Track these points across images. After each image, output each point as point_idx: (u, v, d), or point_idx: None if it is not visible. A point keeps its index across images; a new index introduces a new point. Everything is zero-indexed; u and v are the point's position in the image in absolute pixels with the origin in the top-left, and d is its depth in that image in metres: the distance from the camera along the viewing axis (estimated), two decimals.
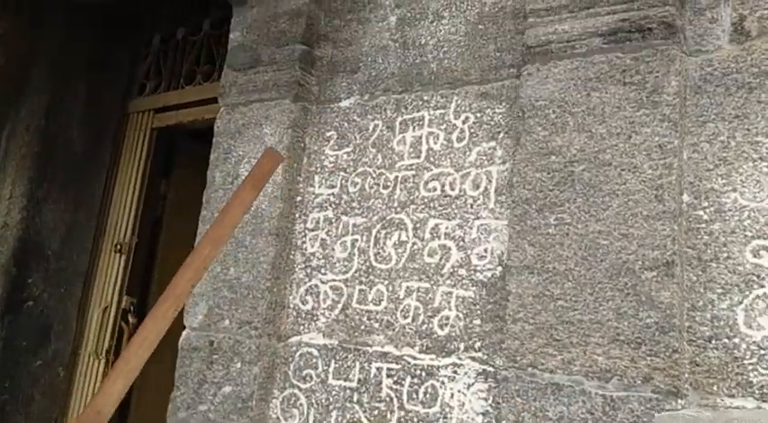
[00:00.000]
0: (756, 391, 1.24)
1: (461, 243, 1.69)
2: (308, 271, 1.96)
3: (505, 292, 1.51)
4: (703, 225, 1.36)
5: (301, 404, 1.86)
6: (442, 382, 1.63)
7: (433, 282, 1.71)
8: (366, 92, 2.00)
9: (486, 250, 1.65)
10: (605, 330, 1.36)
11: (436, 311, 1.69)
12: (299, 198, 2.04)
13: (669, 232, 1.33)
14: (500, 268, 1.61)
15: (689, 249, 1.35)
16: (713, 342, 1.30)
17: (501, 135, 1.70)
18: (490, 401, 1.55)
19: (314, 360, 1.87)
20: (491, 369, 1.56)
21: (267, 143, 2.06)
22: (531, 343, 1.44)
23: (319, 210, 2.00)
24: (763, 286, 1.28)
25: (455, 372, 1.62)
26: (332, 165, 2.01)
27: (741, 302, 1.29)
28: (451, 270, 1.69)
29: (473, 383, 1.58)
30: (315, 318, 1.91)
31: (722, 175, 1.36)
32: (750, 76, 1.38)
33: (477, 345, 1.60)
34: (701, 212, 1.37)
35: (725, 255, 1.33)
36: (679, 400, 1.26)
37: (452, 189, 1.75)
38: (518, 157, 1.56)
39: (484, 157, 1.72)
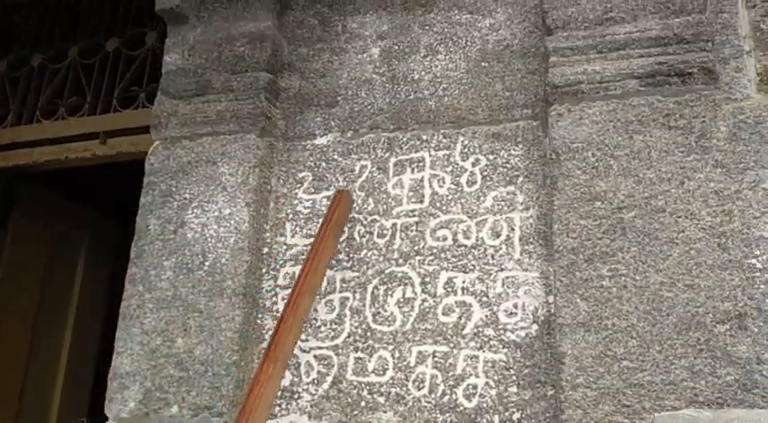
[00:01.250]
0: None
1: (484, 299, 1.50)
2: None
3: (558, 353, 1.34)
4: (758, 273, 1.32)
5: None
6: None
7: (452, 344, 1.49)
8: (348, 129, 1.76)
9: (515, 306, 1.47)
10: (681, 391, 1.23)
11: (460, 379, 1.46)
12: (266, 249, 1.71)
13: (738, 282, 1.27)
14: (535, 326, 1.44)
15: (750, 301, 1.29)
16: None
17: (520, 179, 1.57)
18: None
19: None
20: None
21: (226, 184, 1.72)
22: (595, 411, 1.27)
23: (293, 263, 1.68)
24: None
25: None
26: (308, 211, 1.73)
27: None
28: (475, 330, 1.48)
29: None
30: (296, 395, 1.57)
31: None
32: None
33: (516, 416, 1.39)
34: (755, 261, 1.33)
35: None
36: None
37: (467, 238, 1.56)
38: (557, 202, 1.43)
39: (502, 203, 1.56)
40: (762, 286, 1.31)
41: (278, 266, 1.70)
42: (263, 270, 1.69)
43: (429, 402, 1.46)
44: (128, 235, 3.94)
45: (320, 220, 1.69)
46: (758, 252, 1.33)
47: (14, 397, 2.73)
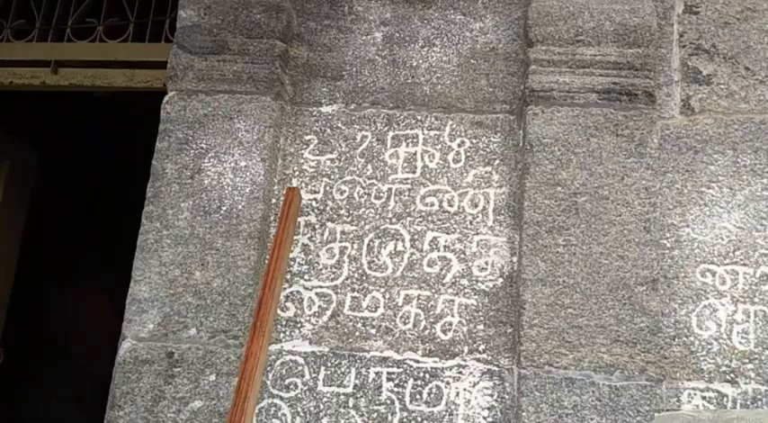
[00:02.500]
0: (705, 375, 1.70)
1: (462, 255, 1.87)
2: (288, 277, 1.91)
3: (520, 301, 1.74)
4: (667, 251, 1.79)
5: (284, 414, 1.81)
6: (447, 383, 1.78)
7: (434, 290, 1.85)
8: (352, 101, 2.03)
9: (486, 263, 1.86)
10: (608, 333, 1.69)
11: (439, 317, 1.83)
12: (273, 200, 1.97)
13: (655, 256, 1.73)
14: (501, 279, 1.84)
15: (660, 270, 1.77)
16: (676, 340, 1.73)
17: (497, 161, 1.93)
18: (495, 397, 1.76)
19: (299, 368, 1.84)
20: (495, 368, 1.78)
21: (242, 139, 1.94)
22: (546, 345, 1.70)
23: (299, 214, 1.96)
24: (708, 298, 1.75)
25: (460, 372, 1.78)
26: (313, 170, 1.99)
27: (694, 310, 1.75)
28: (453, 280, 1.86)
29: (478, 382, 1.77)
30: (298, 325, 1.87)
31: (679, 214, 1.81)
32: (695, 141, 1.86)
33: (482, 347, 1.80)
34: (666, 241, 1.80)
35: (682, 274, 1.77)
36: (662, 386, 1.65)
37: (451, 206, 1.91)
38: (528, 184, 1.81)
39: (481, 179, 1.92)
40: (669, 260, 1.79)
41: None
42: (272, 218, 1.95)
43: (412, 334, 1.83)
44: (49, 164, 3.92)
45: (324, 179, 1.97)
46: (668, 235, 1.80)
47: None
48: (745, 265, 1.76)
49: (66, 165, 4.18)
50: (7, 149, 3.20)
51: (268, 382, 1.83)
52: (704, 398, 1.68)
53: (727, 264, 1.76)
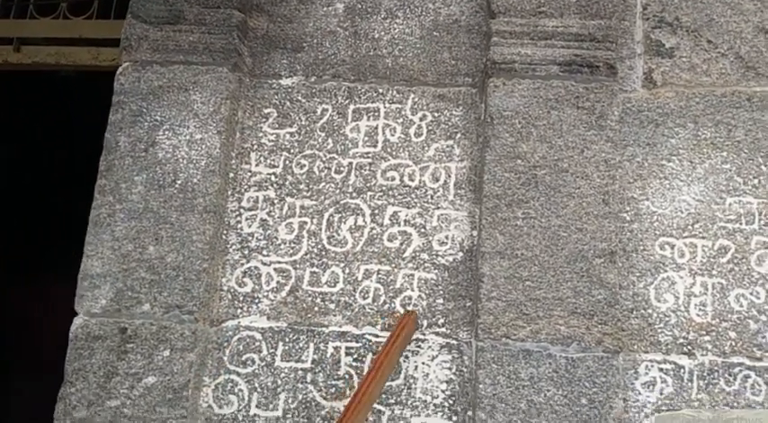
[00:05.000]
0: (663, 347, 1.70)
1: (422, 230, 1.85)
2: (246, 252, 1.88)
3: (478, 274, 1.73)
4: (626, 224, 1.78)
5: (240, 390, 1.78)
6: (406, 357, 1.76)
7: (394, 265, 1.83)
8: (312, 74, 1.99)
9: (447, 237, 1.84)
10: (565, 305, 1.68)
11: (399, 292, 1.81)
12: (231, 175, 1.93)
13: (613, 228, 1.72)
14: (461, 254, 1.82)
15: (618, 243, 1.76)
16: (634, 312, 1.73)
17: (458, 135, 1.91)
18: (454, 370, 1.74)
19: (256, 343, 1.81)
20: (454, 342, 1.76)
21: (198, 111, 1.90)
22: (503, 317, 1.68)
23: (257, 189, 1.92)
24: (666, 271, 1.75)
25: (419, 346, 1.77)
26: (272, 143, 1.95)
27: (652, 283, 1.74)
28: (413, 254, 1.83)
29: (437, 355, 1.76)
30: (256, 300, 1.84)
31: (639, 187, 1.80)
32: (656, 114, 1.85)
33: (441, 321, 1.78)
34: (625, 215, 1.79)
35: (641, 247, 1.77)
36: (619, 358, 1.65)
37: (412, 180, 1.89)
38: (488, 157, 1.79)
39: (442, 154, 1.90)
40: (628, 233, 1.78)
41: (243, 190, 1.92)
42: (229, 192, 1.91)
43: (372, 309, 1.81)
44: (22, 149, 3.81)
45: (283, 154, 1.94)
46: (628, 208, 1.79)
47: None
48: (703, 238, 1.75)
49: (36, 151, 4.08)
50: None
51: (225, 358, 1.80)
52: (661, 370, 1.68)
53: (686, 237, 1.76)
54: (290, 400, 1.76)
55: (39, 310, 3.80)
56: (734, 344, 1.68)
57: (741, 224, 1.75)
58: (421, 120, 1.93)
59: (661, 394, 1.67)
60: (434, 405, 1.72)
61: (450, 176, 1.88)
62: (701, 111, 1.85)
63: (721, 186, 1.78)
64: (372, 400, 1.62)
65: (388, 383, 1.75)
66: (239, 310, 1.83)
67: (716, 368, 1.68)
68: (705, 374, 1.67)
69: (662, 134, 1.83)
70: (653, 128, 1.84)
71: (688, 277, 1.73)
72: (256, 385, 1.78)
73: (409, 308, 1.79)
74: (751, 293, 1.71)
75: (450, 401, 1.72)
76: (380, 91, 1.96)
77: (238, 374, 1.79)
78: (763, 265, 1.72)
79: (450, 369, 1.74)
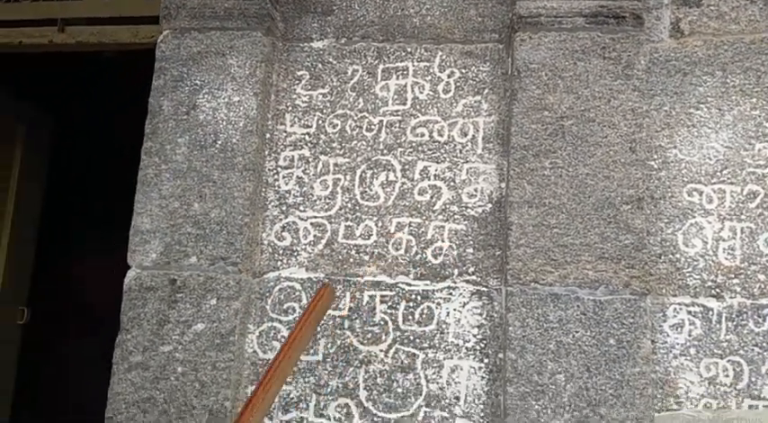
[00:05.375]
0: (691, 291, 1.73)
1: (452, 183, 1.91)
2: (284, 208, 1.97)
3: (507, 223, 1.78)
4: (654, 172, 1.81)
5: (283, 336, 1.88)
6: (438, 304, 1.84)
7: (425, 217, 1.90)
8: (342, 36, 2.05)
9: (476, 190, 1.90)
10: (593, 251, 1.72)
11: (429, 243, 1.88)
12: (268, 135, 2.02)
13: (640, 176, 1.75)
14: (490, 205, 1.88)
15: (646, 190, 1.79)
16: (662, 258, 1.76)
17: (486, 91, 1.95)
18: (484, 316, 1.81)
19: (296, 293, 1.91)
20: (484, 289, 1.83)
21: (235, 75, 1.98)
22: (532, 263, 1.74)
23: (293, 148, 2.00)
24: (694, 217, 1.77)
25: (450, 293, 1.84)
26: (305, 105, 2.03)
27: (680, 229, 1.77)
28: (443, 207, 1.90)
29: (467, 302, 1.83)
30: (295, 253, 1.94)
31: (666, 135, 1.82)
32: (684, 64, 1.86)
33: (471, 270, 1.85)
34: (653, 163, 1.81)
35: (669, 194, 1.79)
36: (647, 300, 1.69)
37: (441, 135, 1.94)
38: (515, 110, 1.83)
39: (470, 109, 1.95)
40: (656, 181, 1.81)
41: (279, 150, 2.01)
42: (266, 152, 2.00)
43: (405, 259, 1.88)
44: (65, 128, 4.01)
45: (316, 114, 2.02)
46: (656, 156, 1.82)
47: None
48: (732, 183, 1.77)
49: (81, 127, 4.26)
50: (22, 114, 3.28)
51: (267, 308, 1.90)
52: (690, 312, 1.72)
53: (715, 183, 1.78)
54: (329, 346, 1.86)
55: (91, 270, 4.00)
56: (763, 286, 1.70)
57: None
58: (449, 77, 1.98)
59: (690, 336, 1.70)
60: (466, 348, 1.80)
61: (478, 131, 1.93)
62: (729, 58, 1.85)
63: (750, 132, 1.79)
64: (286, 373, 1.53)
65: (421, 329, 1.83)
66: (279, 263, 1.93)
67: (744, 310, 1.70)
68: (734, 316, 1.70)
69: (690, 83, 1.84)
70: (680, 77, 1.85)
71: (716, 222, 1.75)
72: None
73: (440, 258, 1.86)
74: None
75: (482, 345, 1.79)
76: (409, 50, 2.01)
77: (280, 322, 1.89)
78: None
79: (480, 315, 1.81)
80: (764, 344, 1.67)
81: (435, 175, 1.92)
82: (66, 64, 3.52)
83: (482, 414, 1.75)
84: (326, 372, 1.85)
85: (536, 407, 1.65)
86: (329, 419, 1.82)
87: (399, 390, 1.80)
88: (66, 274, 4.20)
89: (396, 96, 1.99)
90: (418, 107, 1.97)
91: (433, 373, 1.80)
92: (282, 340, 1.88)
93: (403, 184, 1.93)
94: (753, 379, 1.66)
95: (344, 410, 1.82)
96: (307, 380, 1.86)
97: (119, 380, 1.84)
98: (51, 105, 3.68)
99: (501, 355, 1.76)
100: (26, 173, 3.30)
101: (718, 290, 1.72)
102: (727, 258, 1.73)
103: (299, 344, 1.56)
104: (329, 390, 1.84)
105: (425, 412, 1.78)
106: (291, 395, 1.85)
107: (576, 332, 1.68)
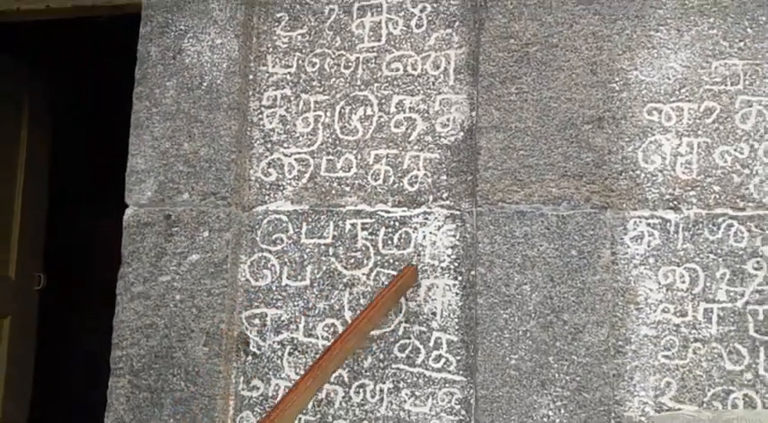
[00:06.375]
0: (650, 204, 1.84)
1: (426, 115, 2.01)
2: (269, 146, 2.09)
3: (476, 148, 1.89)
4: (616, 93, 1.89)
5: (273, 265, 2.02)
6: (415, 228, 1.96)
7: (401, 148, 2.01)
8: None
9: (448, 120, 2.00)
10: (556, 170, 1.83)
11: (405, 172, 1.99)
12: (251, 76, 2.12)
13: (601, 96, 1.83)
14: (462, 133, 1.98)
15: (607, 111, 1.88)
16: (623, 174, 1.86)
17: (456, 23, 2.03)
18: (457, 237, 1.94)
19: (283, 225, 2.04)
20: (457, 212, 1.94)
21: (216, 18, 2.08)
22: (499, 184, 1.85)
23: (275, 88, 2.11)
24: (654, 134, 1.86)
25: (426, 218, 1.96)
26: (285, 45, 2.13)
27: (640, 146, 1.86)
28: (418, 137, 2.00)
29: (442, 225, 1.95)
30: (280, 188, 2.06)
31: (628, 58, 1.90)
32: None
33: (445, 195, 1.96)
34: (614, 85, 1.90)
35: (630, 114, 1.88)
36: (607, 213, 1.80)
37: (414, 69, 2.04)
38: (483, 39, 1.92)
39: (442, 42, 2.03)
40: (617, 102, 1.89)
41: (262, 90, 2.12)
42: (250, 93, 2.11)
43: (383, 189, 2.00)
44: (69, 92, 4.11)
45: (296, 54, 2.11)
46: (617, 79, 1.90)
47: None
48: (689, 101, 1.85)
49: (82, 93, 4.38)
50: (26, 83, 3.38)
51: (257, 239, 2.04)
52: (649, 224, 1.82)
53: (673, 101, 1.86)
54: (315, 271, 2.00)
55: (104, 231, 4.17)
56: (718, 197, 1.80)
57: (726, 86, 1.83)
58: (421, 11, 2.06)
59: (648, 246, 1.82)
60: (441, 268, 1.93)
61: (449, 63, 2.02)
62: None
63: (707, 51, 1.86)
64: (365, 333, 1.73)
65: (400, 252, 1.96)
66: (266, 197, 2.06)
67: (700, 220, 1.81)
68: (690, 226, 1.81)
69: (650, 6, 1.90)
70: (641, 1, 1.91)
71: (675, 139, 1.84)
72: (286, 260, 2.02)
73: (416, 185, 1.98)
74: (735, 149, 1.81)
75: (456, 264, 1.92)
76: None
77: (270, 252, 2.03)
78: (747, 122, 1.81)
79: (454, 236, 1.94)
80: (719, 251, 1.78)
81: (410, 108, 2.02)
82: (64, 29, 3.62)
83: (456, 327, 1.89)
84: (314, 295, 1.99)
85: (504, 315, 1.79)
86: (317, 338, 1.97)
87: None
88: (79, 243, 4.36)
89: (371, 33, 2.08)
90: (393, 43, 2.06)
91: (412, 293, 1.93)
92: (272, 268, 2.02)
93: (380, 117, 2.04)
94: (708, 284, 1.78)
95: (331, 330, 1.97)
96: (296, 303, 2.00)
97: (122, 309, 2.00)
98: (52, 72, 3.79)
99: (473, 272, 1.89)
100: (33, 141, 3.41)
101: (675, 202, 1.82)
102: (684, 172, 1.83)
103: (376, 313, 1.73)
104: (316, 311, 1.99)
105: (405, 328, 1.92)
106: (282, 318, 2.00)
107: (541, 246, 1.79)
